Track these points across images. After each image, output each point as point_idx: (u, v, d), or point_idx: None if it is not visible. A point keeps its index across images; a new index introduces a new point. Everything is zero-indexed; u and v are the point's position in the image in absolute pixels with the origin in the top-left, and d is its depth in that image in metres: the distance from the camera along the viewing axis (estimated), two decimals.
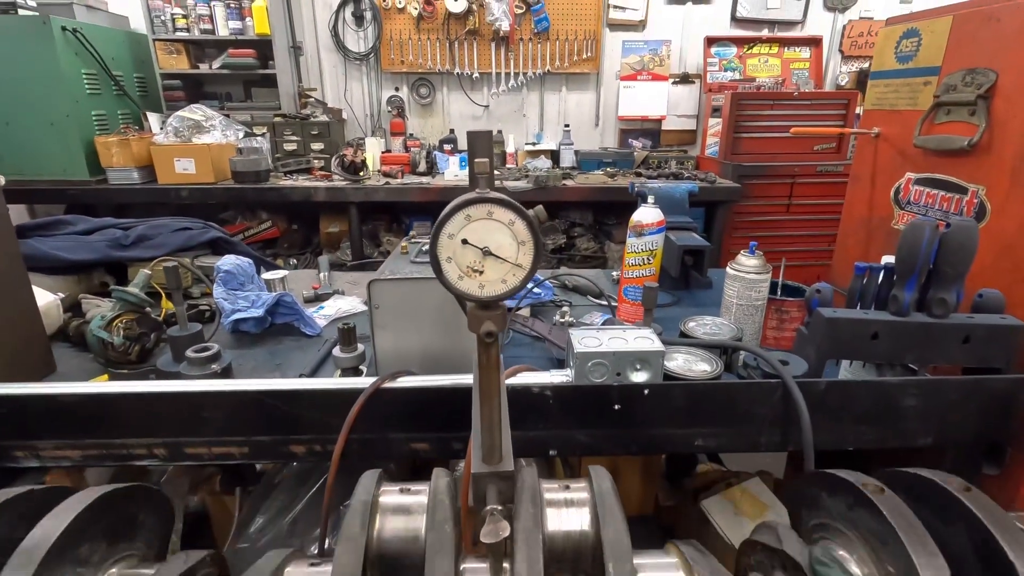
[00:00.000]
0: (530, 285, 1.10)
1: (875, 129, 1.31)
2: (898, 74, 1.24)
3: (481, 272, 0.42)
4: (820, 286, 0.99)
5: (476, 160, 0.40)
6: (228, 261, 1.34)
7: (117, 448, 0.89)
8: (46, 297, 1.29)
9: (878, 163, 1.32)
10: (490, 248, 0.42)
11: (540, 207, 0.42)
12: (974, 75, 1.05)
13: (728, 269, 1.21)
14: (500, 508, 0.44)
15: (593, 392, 0.87)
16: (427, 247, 1.16)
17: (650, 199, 1.36)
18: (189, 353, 1.03)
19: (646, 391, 0.87)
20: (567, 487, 0.57)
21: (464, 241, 0.41)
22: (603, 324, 1.35)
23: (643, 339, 0.90)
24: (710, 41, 4.08)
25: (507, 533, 0.42)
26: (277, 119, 3.66)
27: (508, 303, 0.52)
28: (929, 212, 1.17)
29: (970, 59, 1.07)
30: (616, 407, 0.88)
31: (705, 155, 3.91)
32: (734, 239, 3.52)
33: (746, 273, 1.17)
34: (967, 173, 1.07)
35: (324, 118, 3.74)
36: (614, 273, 1.74)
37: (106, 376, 1.14)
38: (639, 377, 0.88)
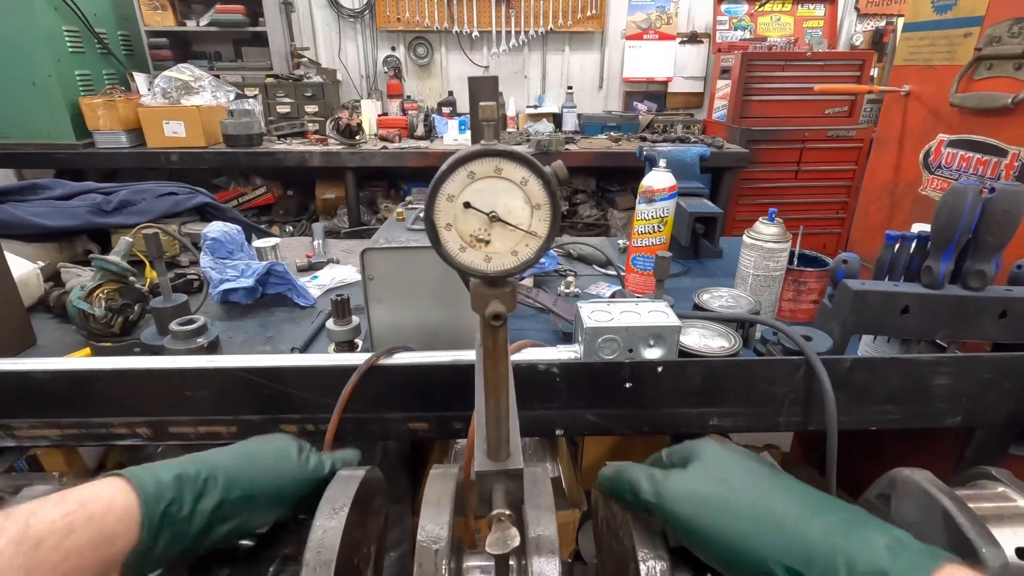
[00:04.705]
0: None
1: (905, 87, 1.22)
2: (934, 25, 1.14)
3: (487, 242, 0.35)
4: (846, 256, 0.93)
5: (481, 104, 0.32)
6: (215, 228, 1.27)
7: (97, 427, 0.84)
8: (24, 266, 1.23)
9: (907, 124, 1.23)
10: (498, 213, 0.35)
11: (559, 162, 0.34)
12: (1022, 25, 0.96)
13: (745, 238, 1.14)
14: (508, 513, 0.39)
15: (603, 369, 0.82)
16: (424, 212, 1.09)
17: (661, 163, 1.28)
18: (173, 326, 0.97)
19: (660, 368, 0.82)
20: None
21: (467, 204, 0.34)
22: (612, 295, 1.29)
23: (657, 313, 0.84)
24: None
25: (517, 543, 0.37)
26: (269, 80, 3.52)
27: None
28: (962, 177, 1.09)
29: (1018, 7, 0.98)
30: (627, 385, 0.82)
31: (712, 119, 3.78)
32: (740, 206, 3.44)
33: (764, 242, 1.10)
34: (1008, 134, 0.99)
35: (318, 79, 3.60)
36: (620, 241, 1.67)
37: (88, 350, 1.08)
38: (653, 354, 0.83)
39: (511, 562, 0.50)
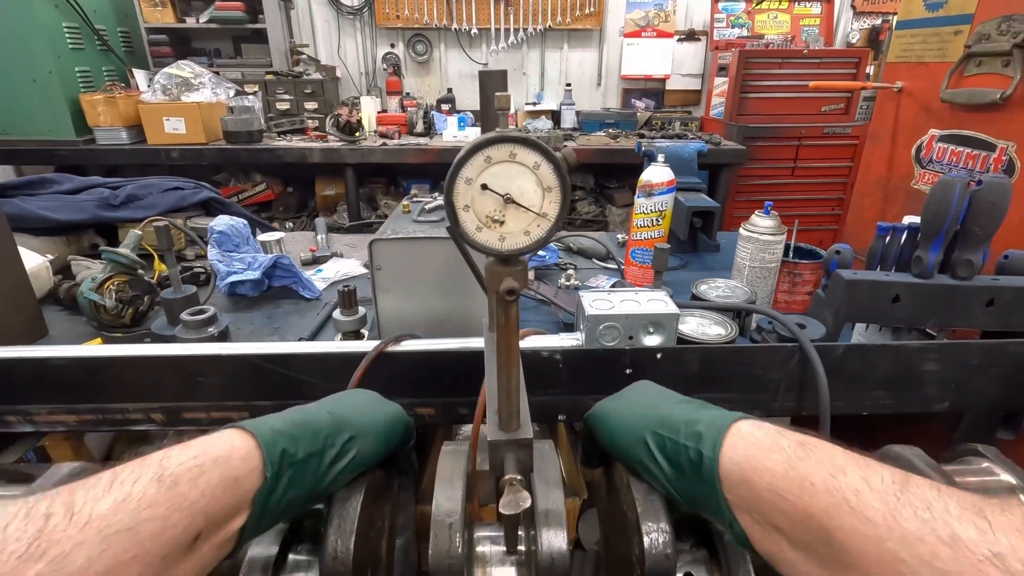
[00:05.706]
0: None
1: (898, 83, 1.25)
2: (927, 23, 1.17)
3: (502, 223, 0.38)
4: (839, 247, 0.95)
5: (497, 94, 0.35)
6: (222, 221, 1.29)
7: (113, 413, 0.86)
8: (34, 259, 1.25)
9: (900, 119, 1.26)
10: (512, 195, 0.37)
11: (569, 148, 0.36)
12: (1011, 22, 0.98)
13: (741, 230, 1.17)
14: (519, 478, 0.41)
15: (604, 356, 0.84)
16: (429, 205, 1.11)
17: (660, 158, 1.31)
18: (184, 316, 0.99)
19: (659, 355, 0.84)
20: None
21: (484, 187, 0.37)
22: (612, 287, 1.32)
23: (656, 301, 0.87)
24: None
25: (528, 504, 0.40)
26: (269, 77, 3.53)
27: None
28: (953, 171, 1.12)
29: (1007, 5, 1.00)
30: (628, 371, 0.85)
31: (710, 116, 3.81)
32: (738, 203, 3.47)
33: (760, 234, 1.13)
34: (997, 129, 1.02)
35: (317, 76, 3.62)
36: (620, 236, 1.70)
37: (99, 340, 1.10)
38: (652, 341, 0.85)
39: (520, 533, 0.52)
